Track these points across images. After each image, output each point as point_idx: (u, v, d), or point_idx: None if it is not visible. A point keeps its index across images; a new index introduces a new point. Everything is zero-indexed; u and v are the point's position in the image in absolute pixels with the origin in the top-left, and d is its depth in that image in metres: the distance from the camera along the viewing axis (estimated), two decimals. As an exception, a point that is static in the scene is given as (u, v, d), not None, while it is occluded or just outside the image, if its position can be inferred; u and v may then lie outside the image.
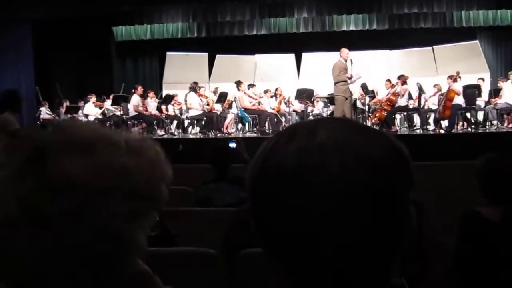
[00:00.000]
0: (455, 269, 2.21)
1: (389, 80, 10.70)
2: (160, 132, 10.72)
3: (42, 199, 0.61)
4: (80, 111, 11.56)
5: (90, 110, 11.30)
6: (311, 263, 0.55)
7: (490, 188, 2.22)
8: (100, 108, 11.57)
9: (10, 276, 0.62)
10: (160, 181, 0.71)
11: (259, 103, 10.53)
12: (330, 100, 10.57)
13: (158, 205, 0.71)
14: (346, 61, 8.58)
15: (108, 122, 11.22)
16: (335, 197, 0.54)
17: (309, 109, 11.53)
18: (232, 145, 4.05)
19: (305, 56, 13.84)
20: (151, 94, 11.29)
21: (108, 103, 11.46)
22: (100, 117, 11.41)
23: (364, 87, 10.62)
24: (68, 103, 11.86)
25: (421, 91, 10.30)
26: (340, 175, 0.54)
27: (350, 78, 8.49)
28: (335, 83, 8.58)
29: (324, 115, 11.62)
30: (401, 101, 9.90)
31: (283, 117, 10.52)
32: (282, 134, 0.61)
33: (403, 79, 9.88)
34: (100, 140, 0.66)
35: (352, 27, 13.39)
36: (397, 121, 10.85)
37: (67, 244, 0.61)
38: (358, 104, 10.63)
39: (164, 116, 11.01)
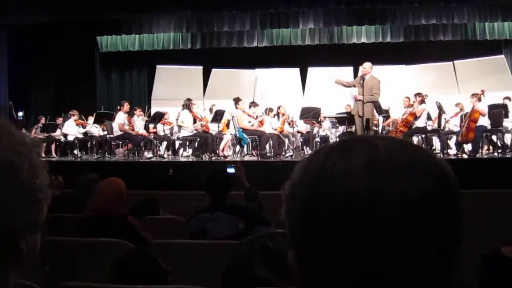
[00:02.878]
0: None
1: (408, 98, 10.78)
2: (148, 154, 10.72)
3: None
4: (58, 130, 11.58)
5: (71, 129, 11.33)
6: None
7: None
8: (83, 127, 11.61)
9: None
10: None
11: (260, 123, 10.59)
12: (339, 120, 10.64)
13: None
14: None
15: (90, 143, 11.25)
16: (410, 226, 0.57)
17: (315, 130, 11.58)
18: (231, 170, 4.07)
19: (311, 71, 13.97)
20: (139, 111, 11.35)
21: (90, 121, 11.50)
22: (80, 136, 11.44)
23: (377, 106, 10.69)
24: (44, 120, 11.90)
25: (441, 110, 10.36)
26: (419, 201, 0.58)
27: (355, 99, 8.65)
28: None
29: (332, 136, 11.68)
30: (419, 122, 9.96)
31: (287, 139, 10.56)
32: (329, 151, 0.63)
33: (421, 98, 9.95)
34: None
35: (364, 39, 13.58)
36: (414, 144, 10.88)
37: None
38: (370, 124, 10.70)
39: (152, 136, 11.04)
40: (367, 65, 8.79)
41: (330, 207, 0.59)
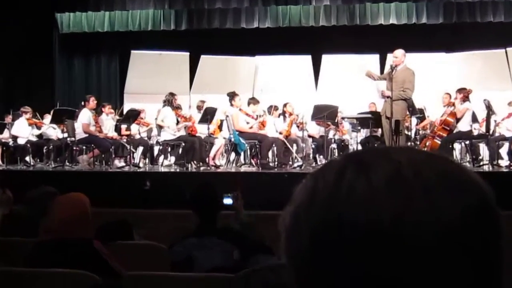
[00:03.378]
0: None
1: (448, 94, 10.80)
2: (119, 163, 10.72)
3: None
4: (6, 131, 11.59)
5: (22, 130, 11.33)
6: None
7: None
8: (38, 128, 11.62)
9: None
10: None
11: (261, 125, 10.60)
12: (361, 121, 10.66)
13: None
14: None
15: (46, 148, 11.25)
16: (447, 255, 0.60)
17: (330, 134, 11.58)
18: (228, 201, 4.07)
19: (326, 59, 14.01)
20: (108, 108, 11.36)
21: (47, 120, 11.51)
22: (34, 139, 11.44)
23: (409, 104, 10.71)
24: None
25: (490, 110, 10.37)
26: (457, 225, 0.60)
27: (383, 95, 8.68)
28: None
29: (352, 142, 11.70)
30: (462, 125, 9.97)
31: (294, 145, 10.58)
32: (342, 168, 0.64)
33: (464, 94, 9.98)
34: None
35: (393, 20, 13.61)
36: (456, 153, 10.90)
37: None
38: (401, 127, 10.71)
39: (125, 140, 11.06)
40: (399, 53, 8.81)
41: (348, 239, 0.60)
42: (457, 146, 10.85)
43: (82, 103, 10.97)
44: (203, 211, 3.57)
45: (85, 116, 10.38)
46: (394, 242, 0.59)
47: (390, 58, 9.57)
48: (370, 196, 0.60)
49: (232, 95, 10.49)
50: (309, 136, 11.45)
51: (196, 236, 3.51)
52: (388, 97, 8.56)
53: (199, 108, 11.49)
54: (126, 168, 10.15)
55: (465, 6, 13.31)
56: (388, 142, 8.57)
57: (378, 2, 13.39)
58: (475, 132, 10.44)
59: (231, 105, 10.45)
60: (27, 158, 11.12)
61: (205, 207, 3.57)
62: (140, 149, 11.39)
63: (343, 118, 11.62)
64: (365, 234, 0.59)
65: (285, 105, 11.30)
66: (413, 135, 10.96)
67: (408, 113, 10.22)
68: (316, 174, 0.66)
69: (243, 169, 10.48)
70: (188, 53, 14.08)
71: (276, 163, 10.41)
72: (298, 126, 11.24)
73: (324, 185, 0.63)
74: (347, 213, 0.60)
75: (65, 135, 10.85)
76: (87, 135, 10.29)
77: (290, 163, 10.48)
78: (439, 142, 9.80)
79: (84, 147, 10.79)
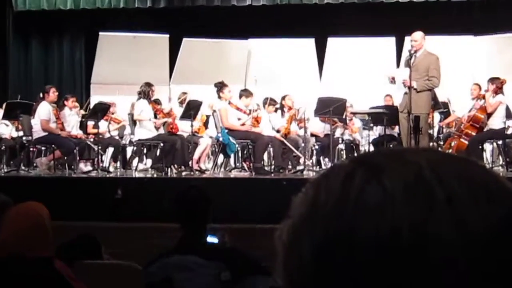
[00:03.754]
0: None
1: (477, 85, 10.82)
2: (85, 167, 10.69)
3: None
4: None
5: (-33, 126, 11.32)
6: None
7: None
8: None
9: None
10: None
11: (255, 121, 10.60)
12: (374, 118, 10.66)
13: None
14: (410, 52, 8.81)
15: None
16: (475, 271, 0.60)
17: (338, 132, 11.58)
18: (212, 239, 4.03)
19: (333, 42, 14.02)
20: (71, 101, 11.33)
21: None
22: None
23: (432, 97, 10.74)
24: None
25: (527, 105, 10.43)
26: (485, 238, 0.60)
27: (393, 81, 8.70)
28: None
29: (364, 142, 11.71)
30: (494, 121, 10.00)
31: (295, 145, 10.57)
32: (350, 174, 0.64)
33: (497, 85, 10.00)
34: None
35: (412, -4, 13.64)
36: (487, 155, 10.92)
37: None
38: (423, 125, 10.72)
39: (92, 140, 11.04)
40: (418, 35, 8.84)
41: (361, 256, 0.60)
42: (488, 146, 10.88)
43: (41, 95, 10.93)
44: (188, 222, 3.56)
45: (44, 110, 10.34)
46: (414, 258, 0.59)
47: (407, 42, 9.57)
48: (384, 205, 0.60)
49: (220, 86, 10.49)
50: (312, 135, 11.45)
51: (177, 253, 3.50)
52: (411, 87, 8.56)
53: (181, 101, 11.47)
54: (94, 173, 10.15)
55: (499, -21, 13.34)
56: (406, 143, 8.59)
57: (395, -25, 13.43)
58: (510, 131, 10.47)
59: (219, 97, 10.43)
60: (-25, 161, 11.09)
61: (192, 216, 3.57)
62: (110, 150, 11.37)
63: (352, 114, 11.62)
64: (379, 250, 0.59)
65: (283, 98, 11.28)
66: (435, 134, 10.97)
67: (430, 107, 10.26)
68: (318, 181, 0.66)
69: (234, 174, 10.48)
70: (167, 36, 14.07)
71: (272, 167, 10.41)
72: (299, 123, 11.24)
73: (329, 194, 0.63)
74: (356, 226, 0.60)
75: (20, 133, 10.82)
76: (46, 133, 10.26)
77: (290, 167, 10.48)
78: (467, 142, 9.81)
79: (43, 148, 10.76)
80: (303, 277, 0.63)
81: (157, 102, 10.92)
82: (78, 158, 10.62)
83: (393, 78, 8.80)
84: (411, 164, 0.63)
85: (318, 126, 11.53)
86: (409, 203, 0.60)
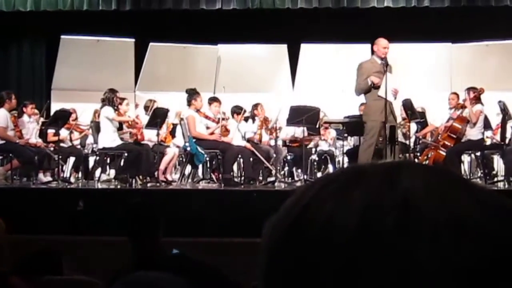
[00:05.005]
0: None
1: (455, 94, 10.92)
2: (45, 177, 10.60)
3: None
4: None
5: None
6: None
7: None
8: None
9: None
10: None
11: (224, 130, 10.59)
12: (349, 127, 10.70)
13: None
14: (382, 60, 8.81)
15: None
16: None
17: (311, 142, 11.63)
18: (175, 253, 4.05)
19: (306, 48, 14.08)
20: (30, 108, 11.24)
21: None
22: None
23: (407, 106, 10.83)
24: None
25: (506, 114, 10.50)
26: (469, 276, 0.60)
27: (377, 87, 8.72)
28: (364, 97, 8.80)
29: (338, 153, 11.75)
30: (472, 132, 10.08)
31: (267, 156, 10.57)
32: (325, 186, 0.65)
33: (475, 94, 10.09)
34: None
35: (388, 3, 13.73)
36: (465, 167, 11.01)
37: None
38: (399, 135, 10.79)
39: (52, 149, 10.96)
40: (386, 42, 8.95)
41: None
42: (466, 158, 10.97)
43: (-2, 100, 10.85)
44: (135, 236, 3.58)
45: (1, 117, 10.26)
46: None
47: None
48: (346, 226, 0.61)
49: (192, 93, 10.44)
50: (286, 144, 11.48)
51: (140, 268, 3.49)
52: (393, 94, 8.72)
53: (146, 108, 11.43)
54: (54, 184, 10.06)
55: (477, -14, 13.47)
56: (382, 153, 8.64)
57: (371, -20, 13.51)
58: (488, 142, 10.56)
59: (189, 105, 10.38)
60: None
61: (138, 231, 3.58)
62: (72, 160, 11.28)
63: (326, 123, 11.64)
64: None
65: (255, 107, 11.27)
66: (411, 145, 11.04)
67: (406, 116, 10.34)
68: (303, 190, 0.66)
69: (202, 185, 10.47)
70: (133, 40, 14.02)
71: (242, 178, 10.41)
72: (270, 132, 11.25)
73: (295, 206, 0.65)
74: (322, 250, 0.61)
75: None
76: (3, 141, 10.18)
77: (260, 178, 10.48)
78: (444, 154, 9.88)
79: (0, 157, 10.65)
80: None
81: (122, 108, 10.81)
82: (37, 167, 10.53)
83: (394, 91, 8.83)
84: (399, 190, 0.63)
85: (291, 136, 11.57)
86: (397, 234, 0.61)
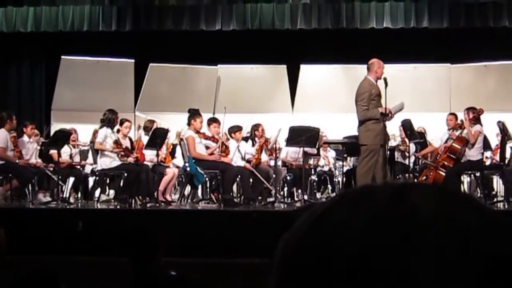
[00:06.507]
0: None
1: (453, 115, 10.94)
2: (44, 198, 10.58)
3: None
4: None
5: None
6: None
7: None
8: None
9: None
10: None
11: (224, 148, 10.57)
12: (348, 148, 10.71)
13: None
14: (377, 81, 8.83)
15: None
16: None
17: (311, 162, 11.63)
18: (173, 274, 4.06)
19: (305, 69, 14.12)
20: (30, 128, 11.27)
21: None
22: None
23: (406, 126, 10.84)
24: None
25: (505, 135, 10.51)
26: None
27: (387, 115, 8.71)
28: (361, 121, 8.79)
29: (337, 173, 11.75)
30: (472, 152, 10.09)
31: (266, 176, 10.55)
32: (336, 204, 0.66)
33: (474, 114, 10.10)
34: None
35: (387, 23, 13.79)
36: (465, 187, 11.00)
37: None
38: (397, 155, 10.80)
39: (51, 169, 10.95)
40: (382, 63, 9.04)
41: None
42: (465, 178, 10.97)
43: (-2, 121, 10.86)
44: (134, 257, 3.58)
45: (1, 138, 10.27)
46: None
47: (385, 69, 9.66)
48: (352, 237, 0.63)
49: (194, 113, 10.44)
50: (285, 165, 11.48)
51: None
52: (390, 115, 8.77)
53: (146, 129, 11.42)
54: (53, 204, 10.04)
55: (476, 8, 13.48)
56: (381, 174, 8.63)
57: (369, 1, 13.56)
58: (488, 162, 10.56)
59: (189, 126, 10.38)
60: None
61: (140, 255, 3.58)
62: (71, 180, 11.27)
63: (326, 144, 11.65)
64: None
65: (256, 128, 11.24)
66: (411, 165, 11.04)
67: (405, 136, 10.35)
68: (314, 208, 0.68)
69: (201, 206, 10.45)
70: (133, 61, 14.07)
71: (242, 198, 10.39)
72: (270, 153, 11.24)
73: (305, 221, 0.66)
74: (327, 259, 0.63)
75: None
76: (3, 162, 10.19)
77: (260, 198, 10.46)
78: (444, 174, 9.88)
79: (0, 177, 10.65)
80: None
81: (123, 130, 10.79)
82: (36, 188, 10.52)
83: (387, 112, 8.85)
84: (404, 206, 0.64)
85: (291, 156, 11.58)
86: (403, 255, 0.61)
